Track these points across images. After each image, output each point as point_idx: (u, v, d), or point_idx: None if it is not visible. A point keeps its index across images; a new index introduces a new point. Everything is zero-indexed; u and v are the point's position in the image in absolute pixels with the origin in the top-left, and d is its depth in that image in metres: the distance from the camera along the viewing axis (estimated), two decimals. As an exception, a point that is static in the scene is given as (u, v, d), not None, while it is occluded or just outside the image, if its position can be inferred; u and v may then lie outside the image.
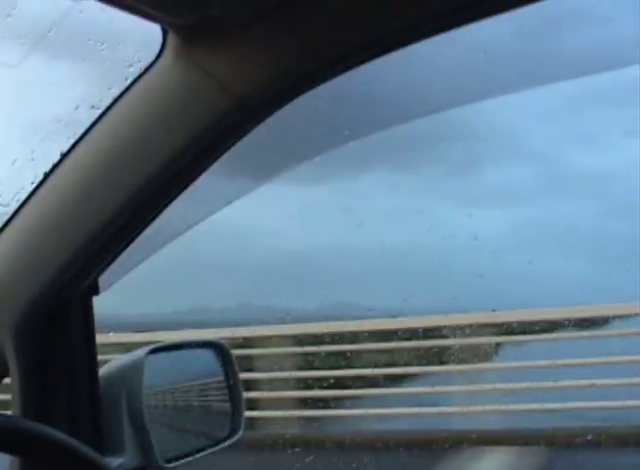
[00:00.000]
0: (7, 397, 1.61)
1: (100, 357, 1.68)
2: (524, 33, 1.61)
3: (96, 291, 1.63)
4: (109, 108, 1.43)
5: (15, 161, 1.53)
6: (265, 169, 1.67)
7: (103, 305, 1.68)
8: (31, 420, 1.56)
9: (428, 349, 8.80)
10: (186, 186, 1.47)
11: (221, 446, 1.82)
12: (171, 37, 1.33)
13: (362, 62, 1.35)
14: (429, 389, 8.82)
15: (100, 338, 1.68)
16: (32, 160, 1.51)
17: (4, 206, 1.55)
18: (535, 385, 8.17)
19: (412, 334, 8.52)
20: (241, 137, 1.41)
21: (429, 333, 8.63)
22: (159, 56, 1.37)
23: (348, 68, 1.35)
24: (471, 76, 1.63)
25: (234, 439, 1.85)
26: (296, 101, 1.38)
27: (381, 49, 1.33)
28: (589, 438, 7.05)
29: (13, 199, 1.55)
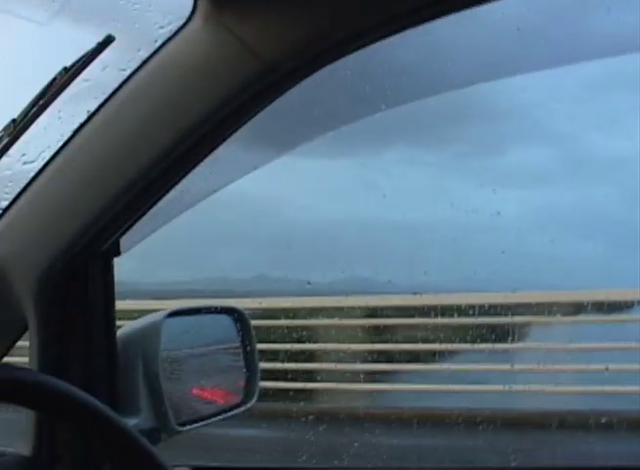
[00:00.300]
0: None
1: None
2: (553, 13, 1.60)
3: (117, 251, 1.64)
4: (136, 70, 1.43)
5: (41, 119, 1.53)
6: (288, 139, 1.67)
7: (121, 271, 1.68)
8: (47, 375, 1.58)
9: (457, 326, 8.70)
10: (211, 151, 1.47)
11: (235, 411, 1.84)
12: (202, 1, 1.33)
13: (392, 33, 1.34)
14: (507, 366, 8.59)
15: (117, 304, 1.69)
16: (59, 118, 1.52)
17: (30, 162, 1.56)
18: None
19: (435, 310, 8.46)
20: (267, 104, 1.41)
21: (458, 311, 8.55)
22: (189, 19, 1.37)
23: (379, 38, 1.34)
24: (498, 53, 1.62)
25: (248, 405, 1.86)
26: (323, 70, 1.38)
27: (412, 21, 1.33)
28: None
29: (39, 156, 1.56)
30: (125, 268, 1.70)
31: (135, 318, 1.76)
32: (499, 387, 7.93)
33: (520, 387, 7.86)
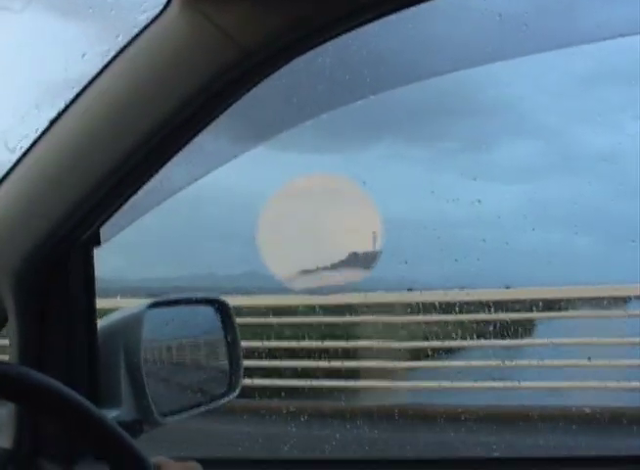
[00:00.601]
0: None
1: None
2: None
3: (97, 241, 1.63)
4: (115, 57, 1.42)
5: (19, 109, 1.52)
6: (267, 126, 1.66)
7: (107, 267, 1.67)
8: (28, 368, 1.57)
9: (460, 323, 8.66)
10: (191, 138, 1.46)
11: (217, 403, 1.83)
12: (179, -14, 1.32)
13: (371, 20, 1.33)
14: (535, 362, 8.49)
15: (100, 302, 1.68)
16: (37, 107, 1.51)
17: (11, 151, 1.55)
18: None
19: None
20: (246, 91, 1.40)
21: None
22: (166, 6, 1.36)
23: (358, 25, 1.33)
24: (482, 39, 1.61)
25: (231, 397, 1.85)
26: (302, 57, 1.37)
27: (391, 7, 1.32)
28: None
29: (17, 146, 1.54)
30: (111, 264, 1.69)
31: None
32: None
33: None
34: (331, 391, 8.73)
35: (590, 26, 1.63)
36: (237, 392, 1.84)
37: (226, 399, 1.84)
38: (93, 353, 1.66)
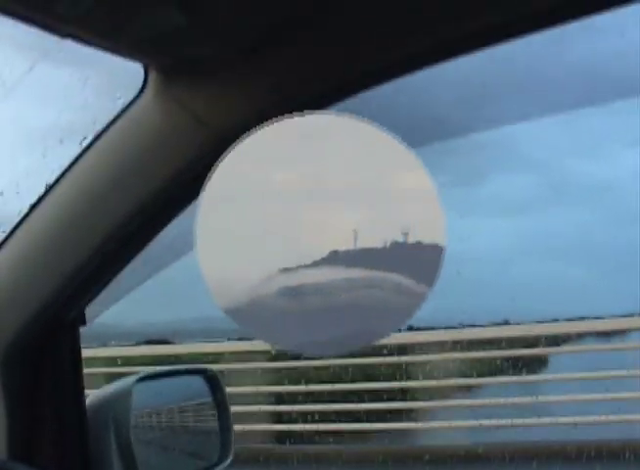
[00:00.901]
0: None
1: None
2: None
3: (83, 321, 1.65)
4: (92, 142, 1.44)
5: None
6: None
7: (106, 315, 1.69)
8: (19, 450, 1.58)
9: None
10: (170, 219, 1.48)
11: (210, 473, 1.83)
12: (152, 74, 1.34)
13: (344, 97, 1.35)
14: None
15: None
16: (17, 193, 1.52)
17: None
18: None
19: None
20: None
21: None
22: (141, 91, 1.38)
23: (330, 103, 1.35)
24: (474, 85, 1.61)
25: (223, 466, 1.85)
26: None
27: (368, 83, 1.33)
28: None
29: None
30: (112, 310, 1.71)
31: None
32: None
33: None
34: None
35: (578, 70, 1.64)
36: (228, 460, 1.84)
37: (219, 468, 1.84)
38: (83, 429, 1.66)
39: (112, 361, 8.33)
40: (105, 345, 8.89)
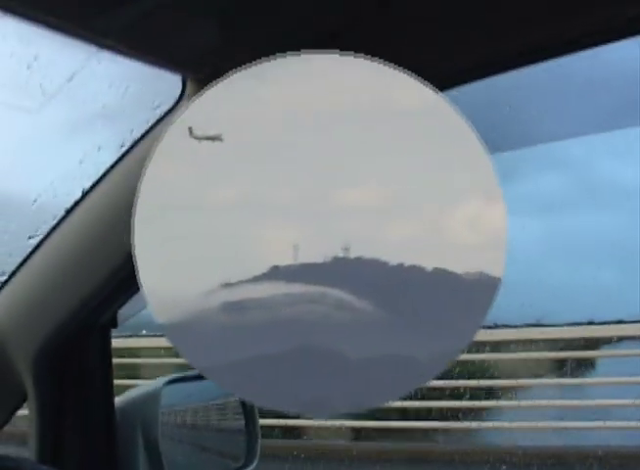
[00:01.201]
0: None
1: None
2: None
3: (114, 324, 1.66)
4: (129, 149, 1.46)
5: (36, 199, 1.55)
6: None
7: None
8: (47, 453, 1.60)
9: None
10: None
11: (237, 477, 1.83)
12: (189, 84, 1.36)
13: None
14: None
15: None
16: (54, 197, 1.54)
17: (33, 237, 1.57)
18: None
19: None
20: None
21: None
22: (179, 100, 1.40)
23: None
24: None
25: (251, 467, 1.85)
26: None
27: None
28: None
29: (37, 231, 1.58)
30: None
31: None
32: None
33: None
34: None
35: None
36: (254, 463, 1.85)
37: (247, 470, 1.84)
38: (111, 432, 1.67)
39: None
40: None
